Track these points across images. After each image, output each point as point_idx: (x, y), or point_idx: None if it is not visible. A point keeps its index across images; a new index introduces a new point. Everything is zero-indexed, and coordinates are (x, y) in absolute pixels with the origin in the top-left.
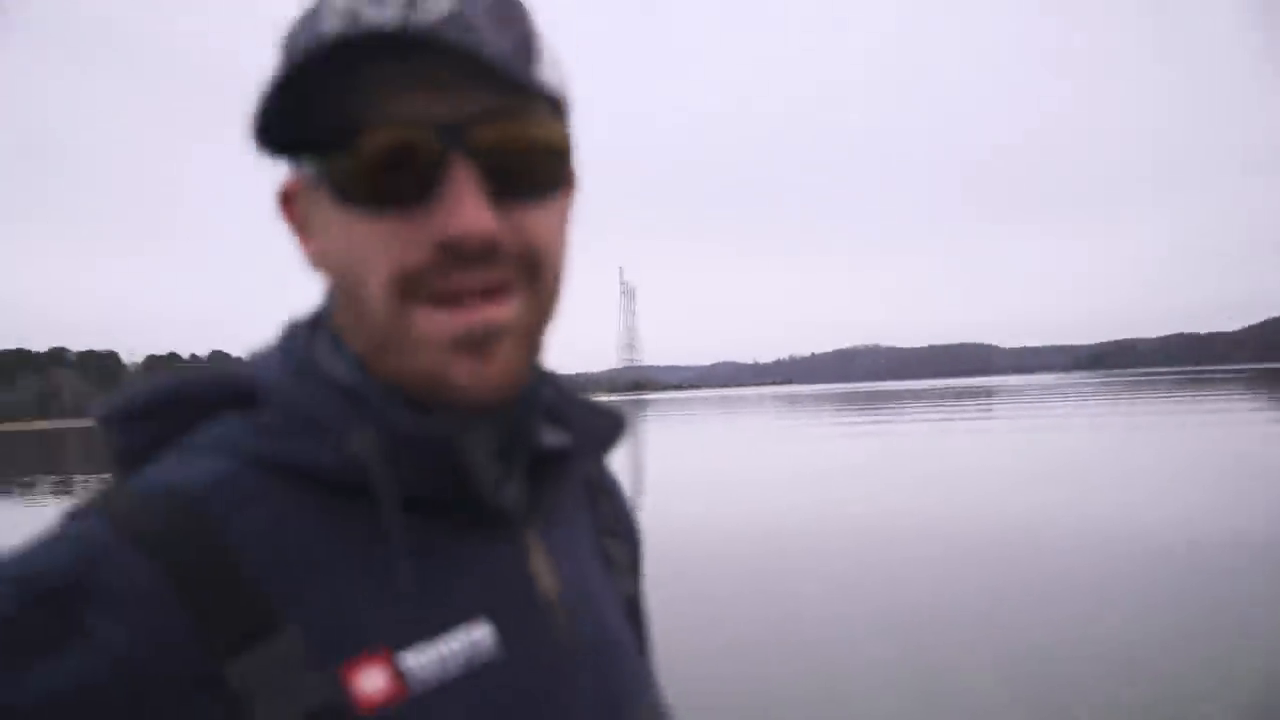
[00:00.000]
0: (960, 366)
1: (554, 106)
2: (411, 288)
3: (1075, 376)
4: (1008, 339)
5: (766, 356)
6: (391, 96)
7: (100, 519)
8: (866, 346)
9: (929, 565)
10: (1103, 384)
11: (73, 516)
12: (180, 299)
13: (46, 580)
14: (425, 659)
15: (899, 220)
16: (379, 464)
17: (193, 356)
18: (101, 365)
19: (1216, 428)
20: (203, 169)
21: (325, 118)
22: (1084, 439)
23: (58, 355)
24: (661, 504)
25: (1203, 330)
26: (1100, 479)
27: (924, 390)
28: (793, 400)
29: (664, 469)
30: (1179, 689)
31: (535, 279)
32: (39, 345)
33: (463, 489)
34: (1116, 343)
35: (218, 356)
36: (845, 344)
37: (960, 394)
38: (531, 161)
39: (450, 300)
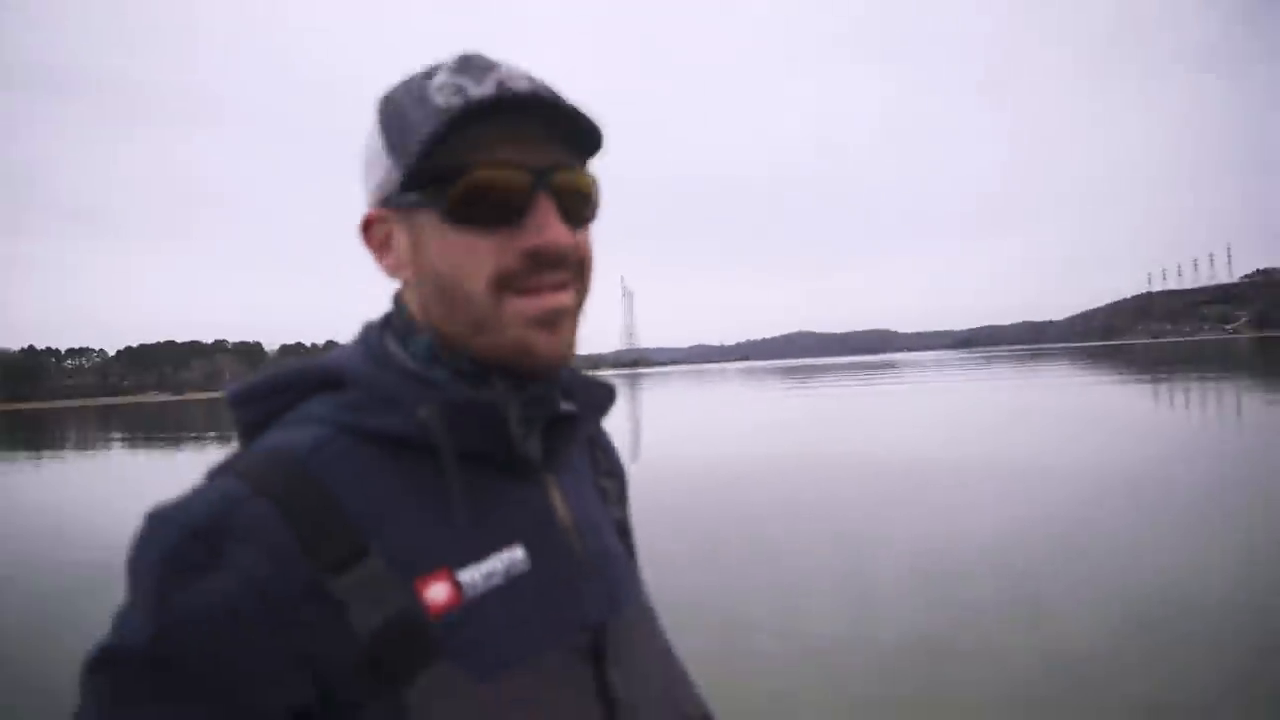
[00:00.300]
0: (870, 346)
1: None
2: (505, 284)
3: (954, 353)
4: (904, 325)
5: (730, 340)
6: (492, 147)
7: (234, 475)
8: (803, 332)
9: (857, 484)
10: (974, 358)
11: (213, 474)
12: (304, 300)
13: (197, 521)
14: (476, 574)
15: (827, 238)
16: (440, 428)
17: (313, 345)
18: (250, 352)
19: (1051, 388)
20: (302, 199)
21: (442, 162)
22: (969, 395)
23: (220, 345)
24: (653, 441)
25: (1039, 319)
26: (978, 422)
27: (850, 364)
28: (750, 372)
29: (656, 420)
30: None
31: (583, 278)
32: (206, 338)
33: (502, 444)
34: (981, 328)
35: (330, 343)
36: (788, 330)
37: (880, 366)
38: (585, 198)
39: (531, 291)
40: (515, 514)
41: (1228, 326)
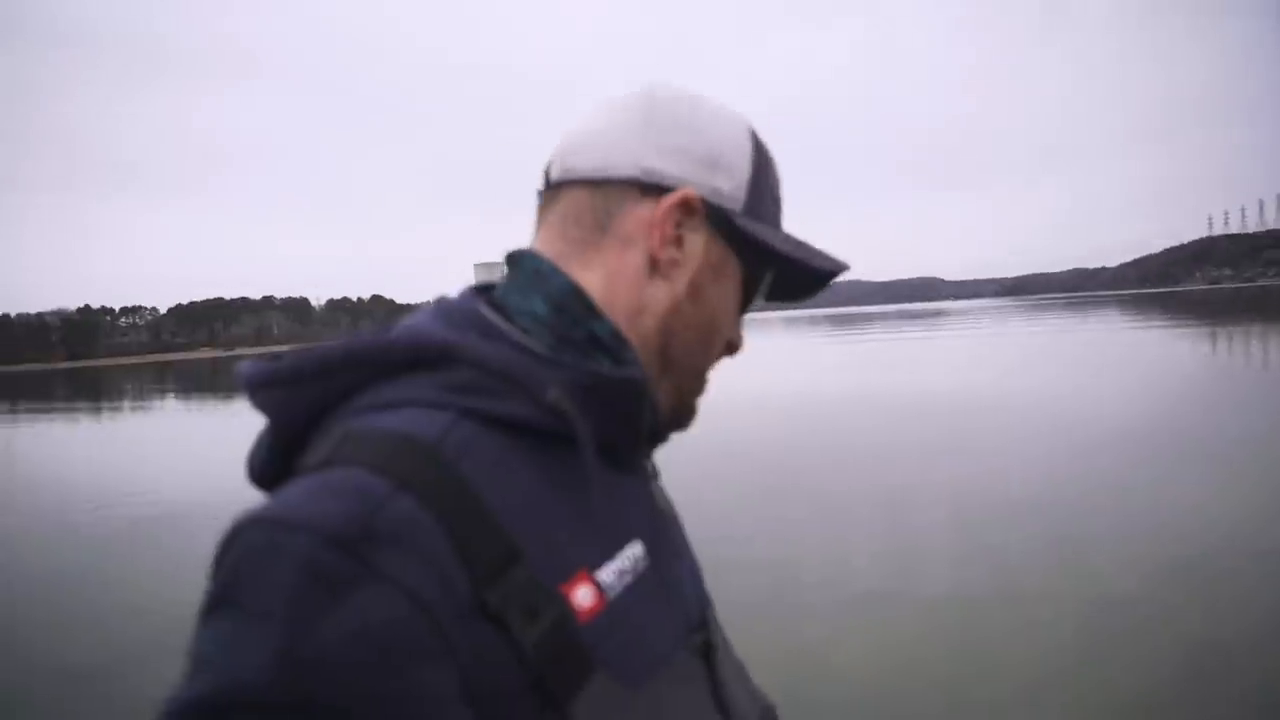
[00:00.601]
0: (916, 294)
1: None
2: (721, 353)
3: (1003, 301)
4: (951, 273)
5: None
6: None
7: (361, 467)
8: (847, 280)
9: (902, 427)
10: (1024, 306)
11: (329, 464)
12: (346, 256)
13: (336, 525)
14: (611, 574)
15: (871, 185)
16: (575, 413)
17: (358, 299)
18: (298, 308)
19: (1101, 332)
20: (343, 155)
21: (776, 245)
22: (1022, 341)
23: (268, 301)
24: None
25: (1091, 265)
26: (1027, 366)
27: (899, 312)
28: (793, 321)
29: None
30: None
31: None
32: (255, 294)
33: (632, 429)
34: (1032, 275)
35: (376, 298)
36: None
37: (934, 314)
38: None
39: (708, 371)
40: (634, 509)
41: None
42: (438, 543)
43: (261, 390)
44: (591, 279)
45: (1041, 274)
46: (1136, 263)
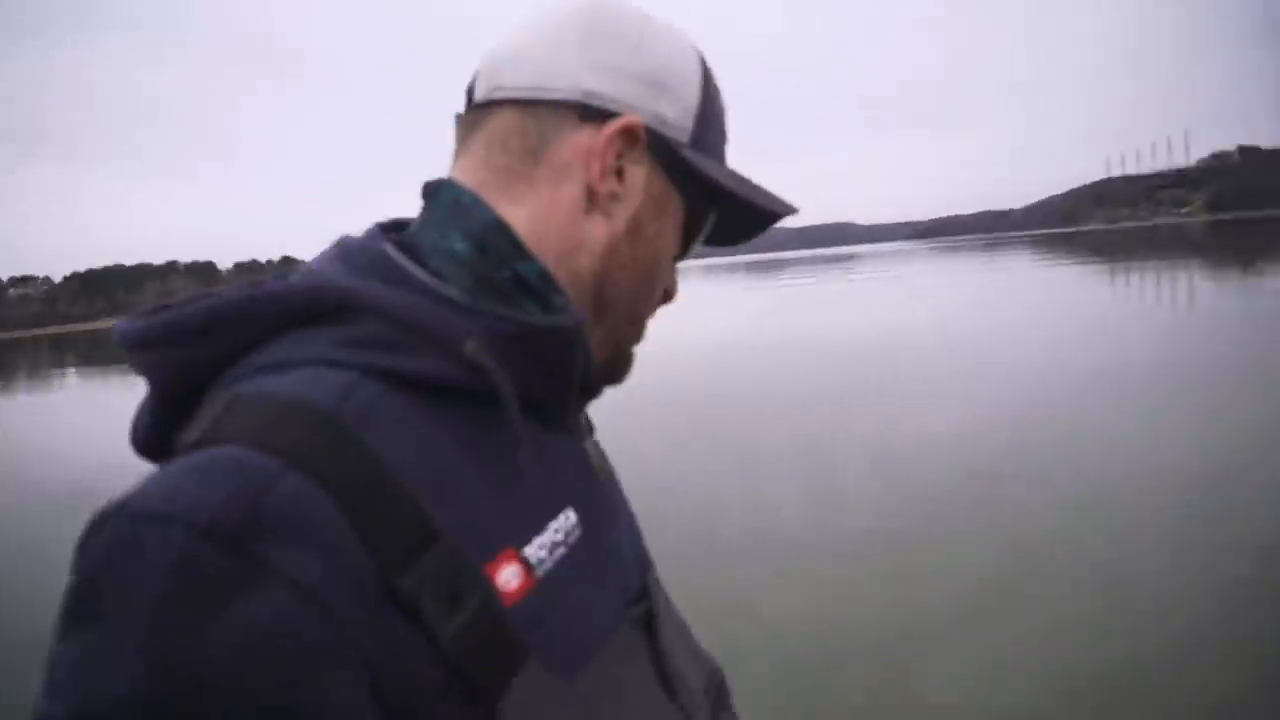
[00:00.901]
0: (830, 238)
1: None
2: (660, 300)
3: (916, 244)
4: (864, 217)
5: None
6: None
7: (245, 443)
8: None
9: (823, 367)
10: (937, 248)
11: (206, 441)
12: (254, 217)
13: (215, 516)
14: (541, 549)
15: (782, 132)
16: (496, 367)
17: (268, 261)
18: (203, 271)
19: (1012, 271)
20: (252, 115)
21: (723, 182)
22: (937, 281)
23: (172, 266)
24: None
25: (1000, 208)
26: (945, 305)
27: (815, 256)
28: (711, 269)
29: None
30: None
31: None
32: (157, 259)
33: (562, 382)
34: (944, 218)
35: (287, 260)
36: None
37: (849, 258)
38: None
39: (646, 320)
40: (565, 473)
41: (1182, 210)
42: (336, 527)
43: (138, 351)
44: (518, 214)
45: (953, 216)
46: (1042, 204)
